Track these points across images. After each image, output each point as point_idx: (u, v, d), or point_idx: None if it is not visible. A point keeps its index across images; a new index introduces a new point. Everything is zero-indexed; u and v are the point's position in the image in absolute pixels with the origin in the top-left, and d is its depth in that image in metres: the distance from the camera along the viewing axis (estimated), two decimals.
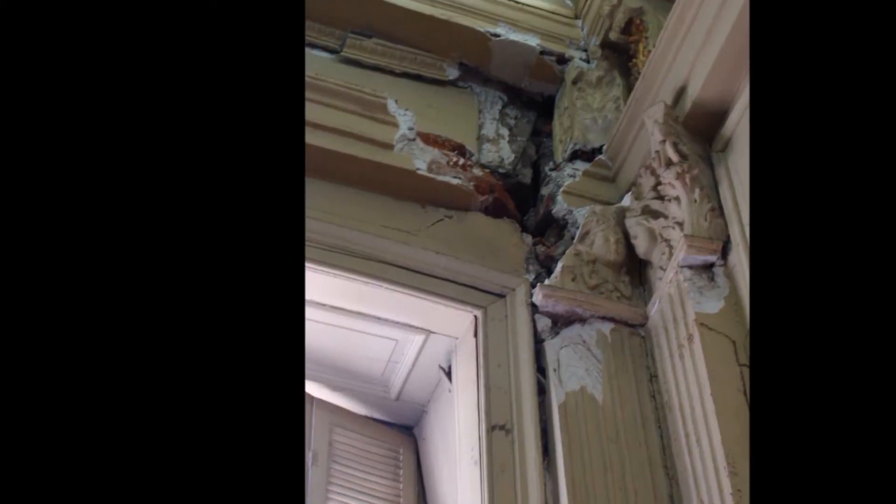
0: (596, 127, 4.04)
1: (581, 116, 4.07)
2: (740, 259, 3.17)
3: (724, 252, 3.26)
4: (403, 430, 4.07)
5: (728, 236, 3.26)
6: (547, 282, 3.50)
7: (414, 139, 3.85)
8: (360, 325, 3.77)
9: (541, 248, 3.74)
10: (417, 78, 4.15)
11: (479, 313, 3.52)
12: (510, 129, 4.16)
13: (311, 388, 3.89)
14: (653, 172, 3.52)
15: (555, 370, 3.28)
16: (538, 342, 3.41)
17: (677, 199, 3.39)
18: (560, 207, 3.78)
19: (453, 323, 3.60)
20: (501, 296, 3.57)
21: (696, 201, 3.33)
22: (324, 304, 3.58)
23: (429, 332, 3.73)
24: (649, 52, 3.82)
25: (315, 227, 3.31)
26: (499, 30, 4.26)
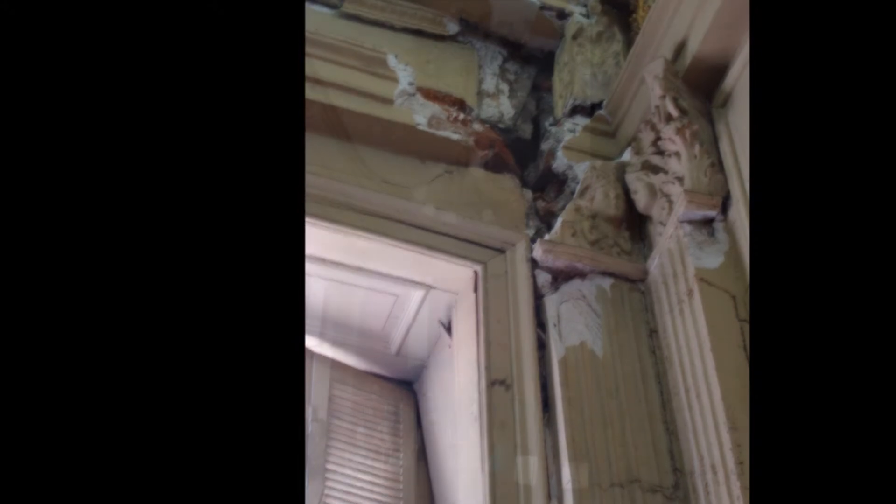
0: (596, 82, 4.02)
1: (581, 72, 4.05)
2: (740, 214, 3.17)
3: (724, 207, 3.26)
4: (403, 385, 4.09)
5: (728, 191, 3.26)
6: (547, 237, 3.50)
7: (414, 94, 3.83)
8: (360, 280, 3.77)
9: (541, 204, 3.74)
10: (418, 33, 4.12)
11: (479, 268, 3.52)
12: (510, 85, 4.14)
13: (311, 343, 3.91)
14: (653, 128, 3.52)
15: (555, 325, 3.29)
16: (538, 297, 3.41)
17: (677, 154, 3.38)
18: (560, 163, 3.77)
19: (453, 278, 3.60)
20: (501, 251, 3.57)
21: (696, 156, 3.32)
22: (324, 259, 3.58)
23: (429, 288, 3.74)
24: (649, 6, 3.80)
25: (315, 181, 3.31)
26: None
